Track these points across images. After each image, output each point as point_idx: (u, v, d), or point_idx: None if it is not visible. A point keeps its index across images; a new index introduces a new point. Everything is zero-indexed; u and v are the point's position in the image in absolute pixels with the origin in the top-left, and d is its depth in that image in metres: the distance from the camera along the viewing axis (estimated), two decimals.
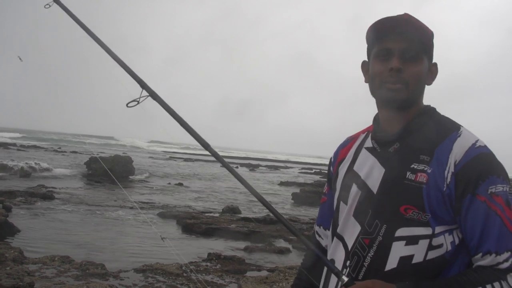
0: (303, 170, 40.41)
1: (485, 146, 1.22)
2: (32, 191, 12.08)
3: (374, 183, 1.29)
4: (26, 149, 31.69)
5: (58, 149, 34.58)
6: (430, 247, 1.19)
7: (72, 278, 5.26)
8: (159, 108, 1.46)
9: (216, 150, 1.55)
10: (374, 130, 1.37)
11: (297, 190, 17.32)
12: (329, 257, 1.39)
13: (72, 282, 5.10)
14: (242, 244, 8.22)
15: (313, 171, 40.23)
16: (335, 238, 1.39)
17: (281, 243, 8.53)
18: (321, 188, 17.36)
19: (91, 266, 5.67)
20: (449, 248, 1.19)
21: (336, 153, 1.51)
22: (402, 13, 1.30)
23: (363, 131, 1.46)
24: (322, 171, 39.38)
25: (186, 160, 36.94)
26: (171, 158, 38.02)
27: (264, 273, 6.26)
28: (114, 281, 5.31)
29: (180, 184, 18.13)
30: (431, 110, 1.33)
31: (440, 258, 1.19)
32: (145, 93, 1.43)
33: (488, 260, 1.15)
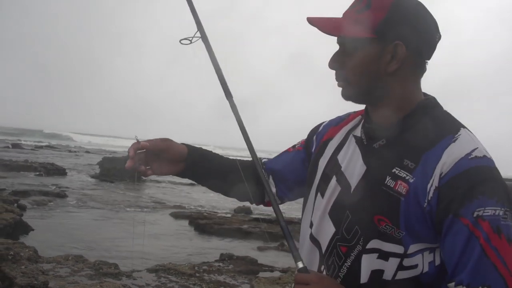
0: None
1: (484, 157, 0.99)
2: (46, 190, 12.20)
3: (353, 180, 1.12)
4: (40, 149, 32.09)
5: (72, 150, 34.96)
6: (401, 267, 1.03)
7: (86, 277, 5.27)
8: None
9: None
10: (364, 119, 1.19)
11: None
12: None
13: (85, 281, 5.12)
14: (254, 245, 8.19)
15: None
16: (309, 241, 1.20)
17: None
18: None
19: (104, 265, 5.69)
20: (426, 269, 1.02)
21: (326, 126, 1.33)
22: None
23: (357, 114, 1.27)
24: None
25: None
26: None
27: (276, 273, 6.21)
28: (127, 281, 5.32)
29: (192, 184, 18.18)
30: (429, 105, 1.11)
31: (413, 281, 1.03)
32: (198, 34, 1.40)
33: None
